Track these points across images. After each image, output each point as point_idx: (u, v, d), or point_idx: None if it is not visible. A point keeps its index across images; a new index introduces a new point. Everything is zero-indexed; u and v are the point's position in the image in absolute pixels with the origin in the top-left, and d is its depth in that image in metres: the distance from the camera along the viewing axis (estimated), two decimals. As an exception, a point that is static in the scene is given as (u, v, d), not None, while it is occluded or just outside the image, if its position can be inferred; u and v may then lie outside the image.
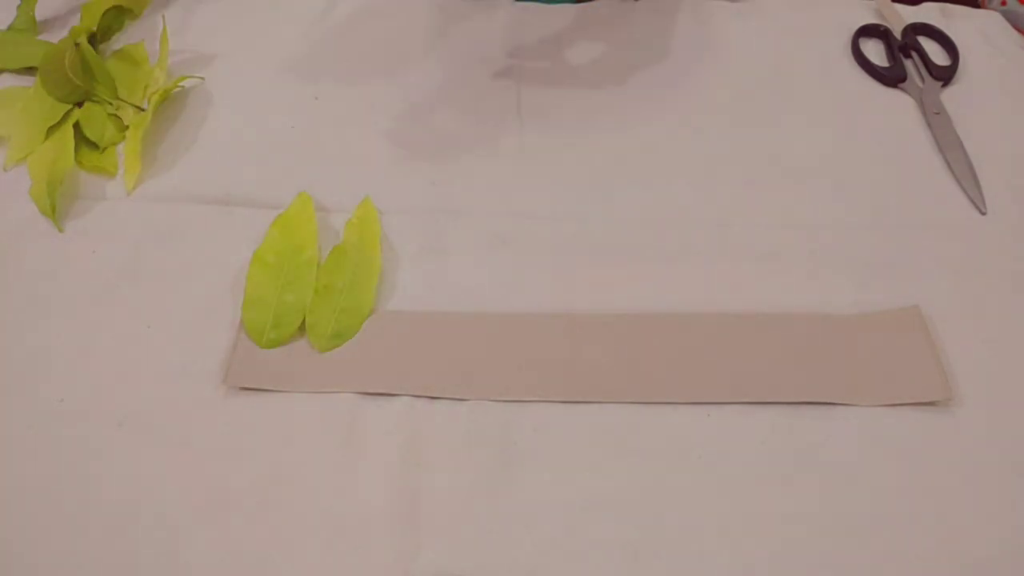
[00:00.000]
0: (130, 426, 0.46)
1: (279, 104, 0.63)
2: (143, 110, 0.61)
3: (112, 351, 0.49)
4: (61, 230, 0.55)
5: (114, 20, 0.66)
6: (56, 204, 0.55)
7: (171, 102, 0.63)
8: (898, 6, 0.70)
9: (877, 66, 0.65)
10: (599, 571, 0.41)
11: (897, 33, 0.68)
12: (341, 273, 0.51)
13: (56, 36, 0.67)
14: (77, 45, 0.62)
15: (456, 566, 0.41)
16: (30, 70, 0.65)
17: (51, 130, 0.59)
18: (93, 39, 0.65)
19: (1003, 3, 0.72)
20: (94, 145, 0.59)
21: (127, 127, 0.60)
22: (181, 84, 0.62)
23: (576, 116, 0.62)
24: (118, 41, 0.67)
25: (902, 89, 0.64)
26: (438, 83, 0.64)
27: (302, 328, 0.49)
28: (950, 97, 0.63)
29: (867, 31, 0.68)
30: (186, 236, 0.54)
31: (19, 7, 0.68)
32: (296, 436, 0.45)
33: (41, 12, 0.69)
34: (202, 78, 0.64)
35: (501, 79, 0.64)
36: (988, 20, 0.69)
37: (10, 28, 0.68)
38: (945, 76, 0.64)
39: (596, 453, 0.45)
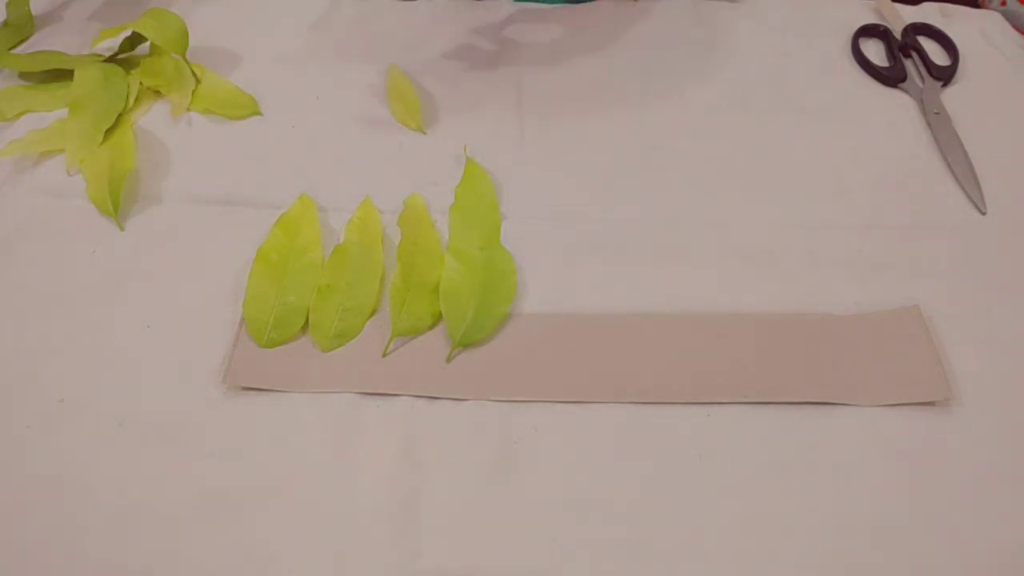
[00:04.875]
0: (130, 426, 0.46)
1: (279, 104, 0.63)
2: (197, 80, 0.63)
3: (112, 351, 0.49)
4: (123, 229, 0.54)
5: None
6: (119, 204, 0.55)
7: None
8: (898, 6, 0.70)
9: (877, 66, 0.65)
10: (599, 571, 0.41)
11: (897, 33, 0.68)
12: (343, 273, 0.51)
13: (55, 28, 0.67)
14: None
15: (456, 566, 0.41)
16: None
17: (108, 132, 0.59)
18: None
19: (1003, 3, 0.72)
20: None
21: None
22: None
23: (576, 117, 0.62)
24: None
25: (902, 89, 0.64)
26: (438, 83, 0.64)
27: (303, 329, 0.49)
28: (950, 97, 0.63)
29: (867, 31, 0.68)
30: (186, 236, 0.54)
31: (8, 4, 0.68)
32: (296, 436, 0.45)
33: (36, 6, 0.69)
34: None
35: (501, 80, 0.64)
36: (988, 20, 0.69)
37: (4, 24, 0.68)
38: (945, 76, 0.64)
39: (596, 453, 0.45)
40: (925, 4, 0.71)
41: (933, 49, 0.67)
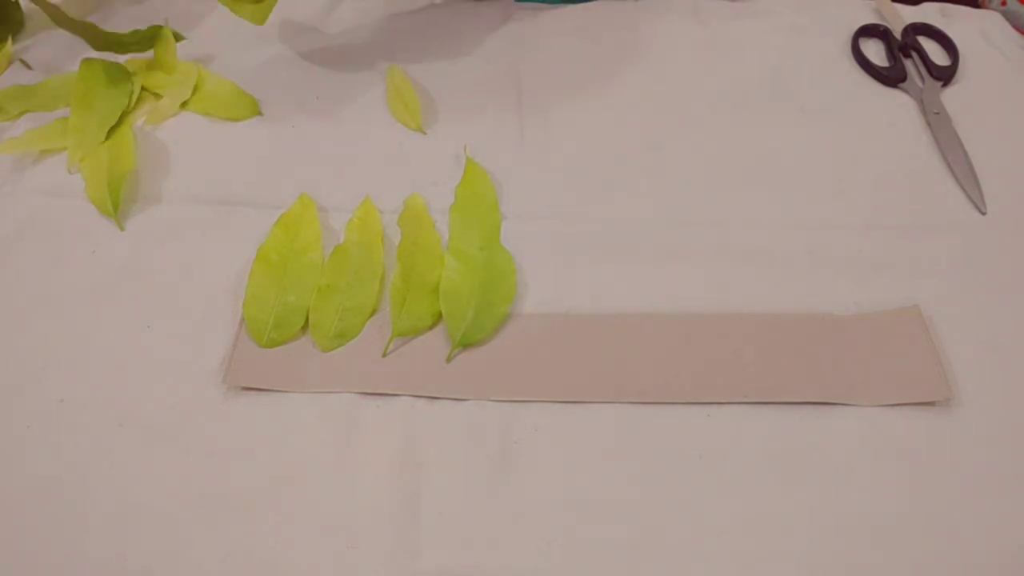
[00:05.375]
0: (130, 426, 0.46)
1: (279, 104, 0.63)
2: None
3: (112, 351, 0.49)
4: (123, 229, 0.54)
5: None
6: (119, 204, 0.55)
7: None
8: (898, 6, 0.70)
9: (877, 66, 0.65)
10: (599, 571, 0.41)
11: (897, 33, 0.68)
12: (343, 273, 0.51)
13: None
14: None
15: (456, 566, 0.41)
16: None
17: (110, 131, 0.59)
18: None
19: (1003, 3, 0.73)
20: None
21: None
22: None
23: (576, 117, 0.62)
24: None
25: (902, 89, 0.64)
26: (438, 83, 0.64)
27: (303, 329, 0.49)
28: (950, 97, 0.63)
29: (867, 31, 0.68)
30: (186, 236, 0.54)
31: None
32: (296, 436, 0.45)
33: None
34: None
35: (501, 80, 0.64)
36: (988, 20, 0.69)
37: None
38: (945, 76, 0.64)
39: (596, 453, 0.45)
40: (925, 4, 0.71)
41: (933, 49, 0.67)
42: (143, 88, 0.63)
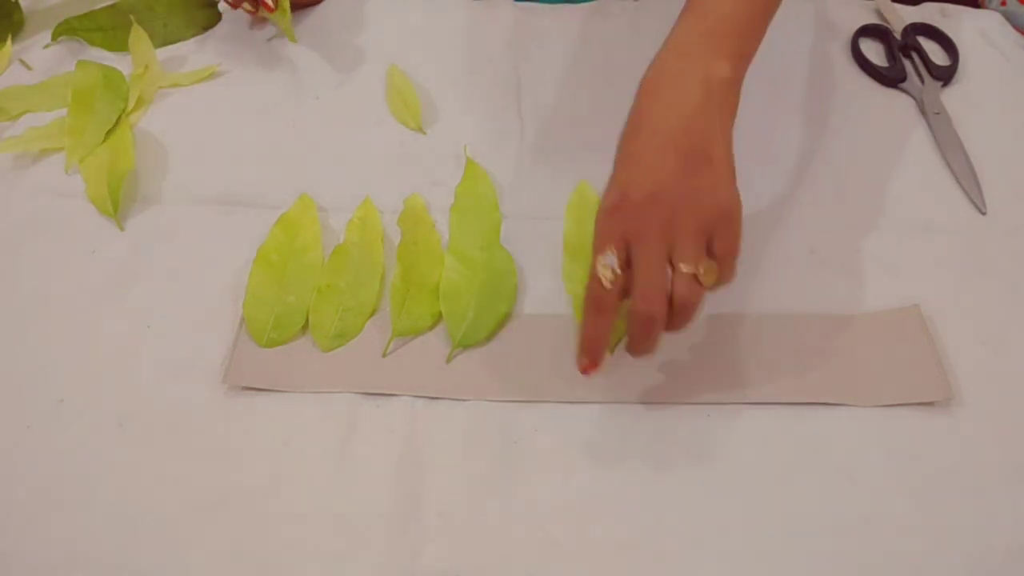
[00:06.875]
0: (130, 426, 0.46)
1: (279, 104, 0.63)
2: None
3: (112, 351, 0.49)
4: (123, 229, 0.54)
5: None
6: (119, 204, 0.55)
7: (171, 101, 0.63)
8: (898, 6, 0.70)
9: (877, 66, 0.65)
10: (599, 571, 0.41)
11: (897, 33, 0.68)
12: (344, 273, 0.51)
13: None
14: None
15: (456, 566, 0.41)
16: None
17: (108, 133, 0.60)
18: None
19: (1003, 3, 0.73)
20: None
21: None
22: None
23: (576, 116, 0.62)
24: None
25: (902, 89, 0.64)
26: (439, 83, 0.64)
27: (303, 329, 0.49)
28: (950, 97, 0.63)
29: (867, 31, 0.68)
30: (186, 236, 0.54)
31: None
32: (296, 436, 0.45)
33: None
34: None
35: (502, 79, 0.64)
36: (988, 20, 0.69)
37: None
38: (945, 76, 0.64)
39: (596, 453, 0.45)
40: (925, 4, 0.71)
41: (933, 49, 0.67)
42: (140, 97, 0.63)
